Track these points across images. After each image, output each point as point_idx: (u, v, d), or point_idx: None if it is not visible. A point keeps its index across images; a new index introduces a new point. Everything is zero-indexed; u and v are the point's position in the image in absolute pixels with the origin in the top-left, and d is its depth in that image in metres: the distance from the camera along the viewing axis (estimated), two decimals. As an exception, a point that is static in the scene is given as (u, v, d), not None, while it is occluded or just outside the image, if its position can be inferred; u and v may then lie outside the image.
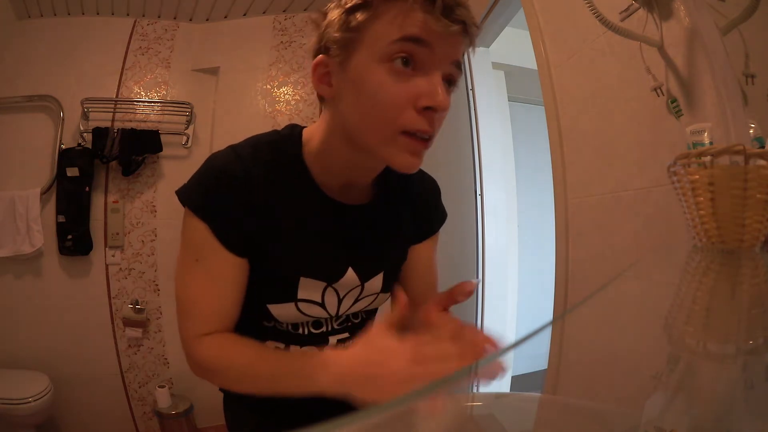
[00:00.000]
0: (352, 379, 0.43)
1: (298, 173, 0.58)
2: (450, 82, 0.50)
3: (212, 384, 0.58)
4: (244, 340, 0.55)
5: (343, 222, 0.61)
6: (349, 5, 0.48)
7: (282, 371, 0.50)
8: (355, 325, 0.69)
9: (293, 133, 0.60)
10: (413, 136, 0.48)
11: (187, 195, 0.55)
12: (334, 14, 0.49)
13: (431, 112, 0.47)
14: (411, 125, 0.48)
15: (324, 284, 0.61)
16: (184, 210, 0.56)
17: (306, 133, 0.60)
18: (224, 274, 0.55)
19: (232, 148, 0.57)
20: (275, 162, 0.57)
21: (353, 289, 0.64)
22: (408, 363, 0.41)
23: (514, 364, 2.28)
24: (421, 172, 0.73)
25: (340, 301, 0.64)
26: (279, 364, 0.51)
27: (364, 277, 0.64)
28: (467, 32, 0.48)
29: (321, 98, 0.56)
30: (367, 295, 0.66)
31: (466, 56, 0.53)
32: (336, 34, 0.49)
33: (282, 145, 0.59)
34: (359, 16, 0.47)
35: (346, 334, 0.68)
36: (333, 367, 0.45)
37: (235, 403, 0.75)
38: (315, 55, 0.53)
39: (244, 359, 0.53)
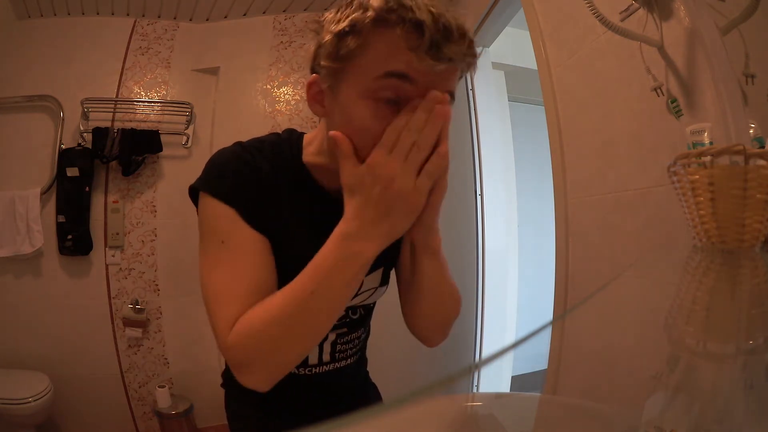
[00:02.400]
0: (370, 216, 0.44)
1: (299, 173, 0.59)
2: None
3: (267, 375, 0.48)
4: (267, 298, 0.49)
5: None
6: (339, 28, 0.46)
7: (320, 280, 0.46)
8: (353, 320, 0.69)
9: (293, 137, 0.62)
10: None
11: (206, 183, 0.54)
12: (327, 37, 0.48)
13: None
14: None
15: None
16: (201, 202, 0.55)
17: (306, 139, 0.61)
18: (256, 249, 0.53)
19: (239, 144, 0.58)
20: (278, 160, 0.58)
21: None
22: (394, 158, 0.42)
23: (514, 364, 2.28)
24: None
25: None
26: (310, 280, 0.46)
27: None
28: (464, 66, 0.47)
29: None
30: (366, 290, 0.66)
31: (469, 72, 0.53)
32: (326, 62, 0.48)
33: (284, 147, 0.60)
34: (350, 43, 0.45)
35: (345, 329, 0.69)
36: (349, 229, 0.45)
37: (236, 401, 0.75)
38: (311, 66, 0.52)
39: (278, 304, 0.46)
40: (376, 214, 0.44)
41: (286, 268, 0.54)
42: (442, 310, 0.62)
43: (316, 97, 0.52)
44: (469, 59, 0.47)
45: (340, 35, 0.46)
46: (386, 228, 0.45)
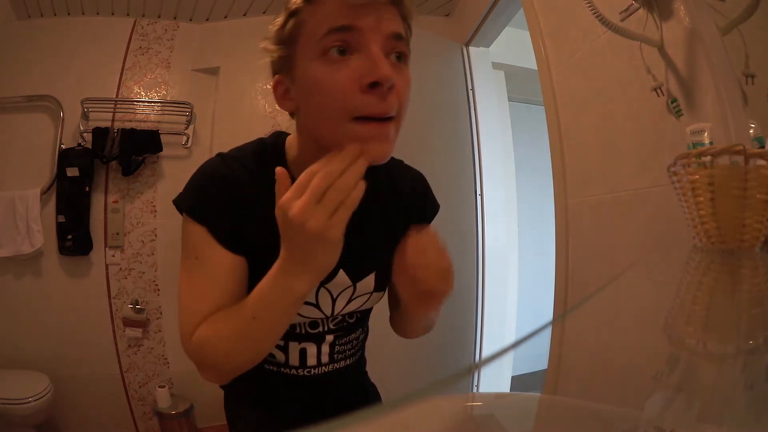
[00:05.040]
0: (295, 255, 0.46)
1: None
2: (398, 56, 0.49)
3: (219, 376, 0.56)
4: (224, 311, 0.54)
5: None
6: (279, 21, 0.50)
7: (259, 309, 0.50)
8: (350, 324, 0.69)
9: (278, 141, 0.62)
10: (369, 120, 0.46)
11: (183, 201, 0.57)
12: (272, 34, 0.52)
13: (379, 88, 0.45)
14: (362, 108, 0.46)
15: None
16: (183, 217, 0.57)
17: (288, 141, 0.61)
18: (223, 269, 0.56)
19: (220, 155, 0.59)
20: (262, 169, 0.58)
21: (345, 289, 0.64)
22: (304, 199, 0.42)
23: (514, 364, 2.28)
24: (407, 167, 0.72)
25: (333, 301, 0.64)
26: (253, 306, 0.51)
27: (354, 277, 0.64)
28: (391, 4, 0.48)
29: (291, 114, 0.58)
30: (360, 295, 0.66)
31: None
32: (277, 51, 0.52)
33: (268, 152, 0.60)
34: (289, 25, 0.49)
35: (342, 332, 0.69)
36: (283, 265, 0.47)
37: (236, 401, 0.75)
38: (273, 72, 0.55)
39: (227, 323, 0.52)
40: (299, 253, 0.46)
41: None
42: (422, 333, 0.72)
43: (284, 95, 0.54)
44: None
45: (282, 25, 0.50)
46: (313, 266, 0.47)
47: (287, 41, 0.50)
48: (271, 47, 0.53)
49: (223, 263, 0.55)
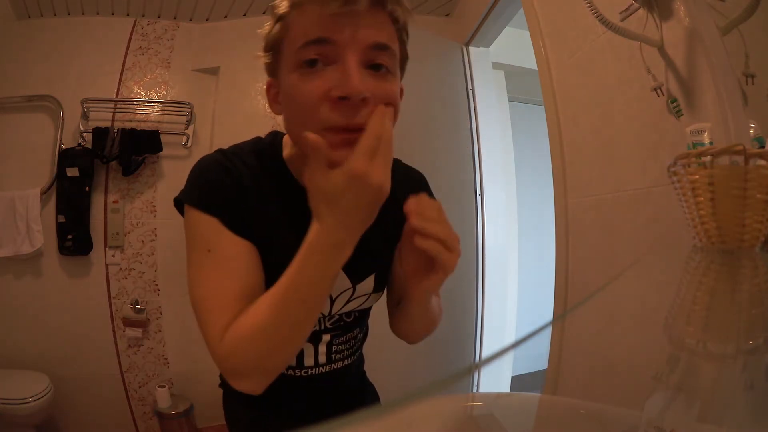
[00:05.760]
0: (344, 214, 0.45)
1: (283, 178, 0.59)
2: (375, 67, 0.47)
3: (260, 378, 0.49)
4: (252, 305, 0.50)
5: None
6: (267, 24, 0.51)
7: (307, 286, 0.47)
8: (347, 323, 0.69)
9: (276, 139, 0.62)
10: (341, 131, 0.46)
11: (188, 195, 0.55)
12: (263, 38, 0.52)
13: (347, 101, 0.45)
14: (327, 120, 0.46)
15: None
16: (186, 213, 0.55)
17: (285, 140, 0.61)
18: (243, 258, 0.53)
19: (219, 151, 0.59)
20: (259, 165, 0.58)
21: (345, 291, 0.64)
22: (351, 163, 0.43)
23: (514, 364, 2.28)
24: (406, 167, 0.72)
25: (332, 302, 0.64)
26: (289, 287, 0.47)
27: (355, 279, 0.64)
28: (375, 9, 0.46)
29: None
30: (359, 296, 0.66)
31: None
32: (265, 56, 0.52)
33: (265, 150, 0.60)
34: (274, 31, 0.49)
35: (339, 332, 0.68)
36: (317, 236, 0.46)
37: (234, 401, 0.75)
38: (269, 74, 0.55)
39: (261, 313, 0.47)
40: (349, 213, 0.45)
41: (274, 271, 0.53)
42: (423, 332, 0.69)
43: (275, 98, 0.54)
44: (385, 3, 0.47)
45: (270, 29, 0.50)
46: (358, 223, 0.46)
47: (273, 47, 0.51)
48: (260, 53, 0.54)
49: (241, 251, 0.53)
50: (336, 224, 0.45)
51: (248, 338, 0.47)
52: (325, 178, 0.44)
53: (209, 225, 0.53)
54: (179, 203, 0.56)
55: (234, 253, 0.52)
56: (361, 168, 0.43)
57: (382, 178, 0.44)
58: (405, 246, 0.53)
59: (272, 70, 0.53)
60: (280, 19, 0.49)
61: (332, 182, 0.44)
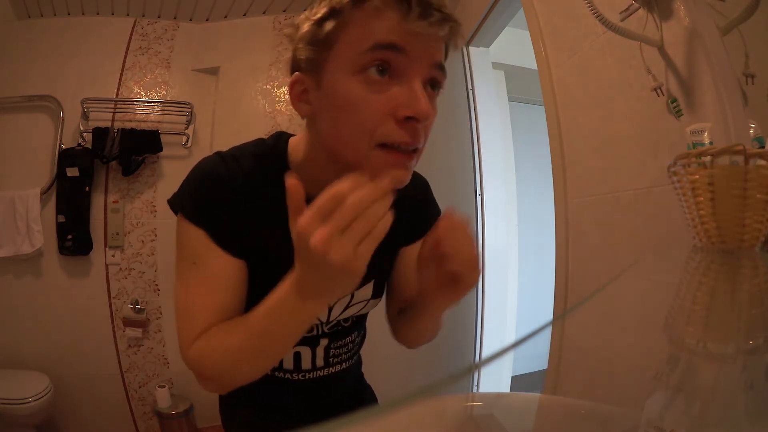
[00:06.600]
0: (312, 279, 0.42)
1: (284, 183, 0.57)
2: (433, 85, 0.47)
3: (218, 388, 0.54)
4: (228, 322, 0.52)
5: None
6: (317, 16, 0.45)
7: (269, 325, 0.47)
8: (345, 328, 0.68)
9: (279, 143, 0.59)
10: (394, 149, 0.45)
11: (179, 202, 0.55)
12: (305, 27, 0.46)
13: (413, 122, 0.44)
14: (391, 138, 0.44)
15: None
16: (178, 219, 0.56)
17: (292, 143, 0.58)
18: (223, 273, 0.53)
19: (218, 154, 0.57)
20: (261, 172, 0.55)
21: (343, 298, 0.63)
22: (327, 228, 0.37)
23: (514, 364, 2.28)
24: None
25: (330, 309, 0.63)
26: (263, 320, 0.47)
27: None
28: (449, 30, 0.44)
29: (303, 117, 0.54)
30: (358, 302, 0.65)
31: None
32: (306, 51, 0.47)
33: (268, 154, 0.57)
34: (328, 26, 0.44)
35: (337, 336, 0.68)
36: (299, 285, 0.43)
37: (231, 403, 0.75)
38: (291, 72, 0.50)
39: (230, 336, 0.49)
40: (317, 279, 0.41)
41: (269, 283, 0.51)
42: (429, 339, 0.68)
43: (300, 96, 0.50)
44: (456, 25, 0.45)
45: (319, 21, 0.45)
46: (331, 292, 0.44)
47: (321, 43, 0.45)
48: (300, 45, 0.48)
49: (224, 269, 0.53)
50: (306, 289, 0.43)
51: (211, 356, 0.50)
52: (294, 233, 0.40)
53: (197, 237, 0.54)
54: (171, 205, 0.57)
55: (217, 270, 0.53)
56: (307, 232, 0.38)
57: (343, 252, 0.37)
58: (425, 263, 0.52)
59: (313, 65, 0.47)
60: (336, 13, 0.44)
61: (295, 241, 0.41)
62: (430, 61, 0.45)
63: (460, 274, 0.49)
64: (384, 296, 0.71)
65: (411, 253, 0.68)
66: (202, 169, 0.55)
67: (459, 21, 0.45)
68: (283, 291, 0.45)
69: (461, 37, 0.47)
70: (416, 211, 0.68)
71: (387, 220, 0.40)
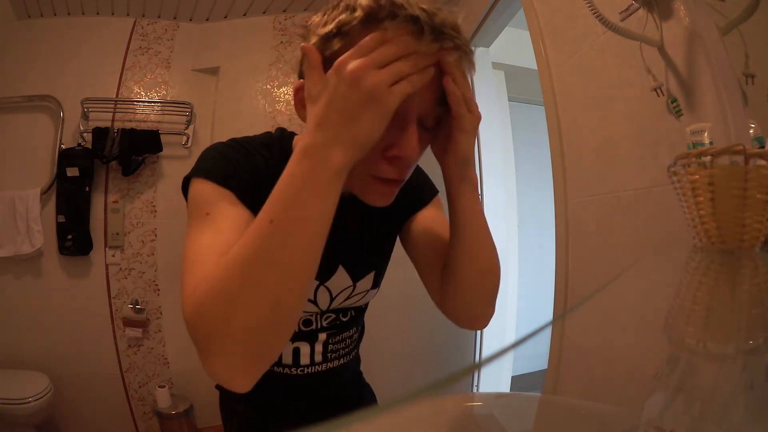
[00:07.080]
0: (334, 120, 0.38)
1: None
2: (434, 119, 0.47)
3: (236, 348, 0.36)
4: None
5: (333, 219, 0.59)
6: (325, 32, 0.44)
7: (284, 205, 0.38)
8: (344, 322, 0.70)
9: (284, 136, 0.61)
10: (384, 180, 0.47)
11: (201, 170, 0.52)
12: (312, 39, 0.45)
13: (400, 159, 0.46)
14: (381, 173, 0.46)
15: (316, 282, 0.62)
16: (192, 186, 0.51)
17: (296, 140, 0.60)
18: (237, 218, 0.48)
19: (233, 138, 0.59)
20: (270, 158, 0.57)
21: (345, 289, 0.65)
22: (366, 60, 0.38)
23: (514, 364, 2.28)
24: None
25: (332, 300, 0.65)
26: (271, 207, 0.39)
27: (355, 276, 0.65)
28: (458, 58, 0.43)
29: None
30: (358, 293, 0.67)
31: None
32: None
33: (275, 145, 0.60)
34: (335, 45, 0.43)
35: (335, 330, 0.69)
36: (313, 140, 0.39)
37: (230, 401, 0.75)
38: (299, 75, 0.51)
39: (235, 251, 0.38)
40: (340, 116, 0.38)
41: None
42: (489, 264, 0.55)
43: (303, 102, 0.49)
44: (467, 49, 0.44)
45: (326, 38, 0.44)
46: (354, 132, 0.38)
47: (327, 60, 0.43)
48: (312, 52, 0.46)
49: (239, 215, 0.48)
50: (325, 135, 0.39)
51: (214, 286, 0.37)
52: (316, 81, 0.41)
53: (212, 191, 0.49)
54: (188, 181, 0.53)
55: (231, 215, 0.47)
56: (346, 61, 0.38)
57: (377, 78, 0.38)
58: (436, 138, 0.51)
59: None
60: (343, 35, 0.43)
61: (319, 82, 0.41)
62: (430, 96, 0.45)
63: (456, 108, 0.46)
64: (423, 279, 0.65)
65: (422, 218, 0.66)
66: (221, 144, 0.56)
67: (470, 49, 0.45)
68: (294, 157, 0.39)
69: (471, 65, 0.46)
70: (412, 196, 0.67)
71: (428, 74, 0.41)
